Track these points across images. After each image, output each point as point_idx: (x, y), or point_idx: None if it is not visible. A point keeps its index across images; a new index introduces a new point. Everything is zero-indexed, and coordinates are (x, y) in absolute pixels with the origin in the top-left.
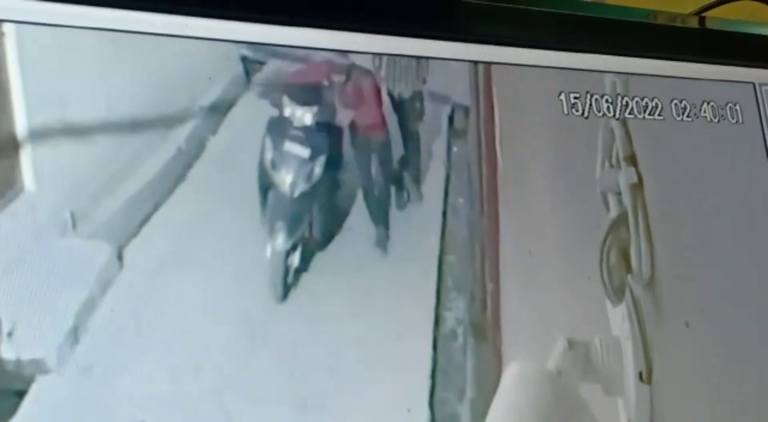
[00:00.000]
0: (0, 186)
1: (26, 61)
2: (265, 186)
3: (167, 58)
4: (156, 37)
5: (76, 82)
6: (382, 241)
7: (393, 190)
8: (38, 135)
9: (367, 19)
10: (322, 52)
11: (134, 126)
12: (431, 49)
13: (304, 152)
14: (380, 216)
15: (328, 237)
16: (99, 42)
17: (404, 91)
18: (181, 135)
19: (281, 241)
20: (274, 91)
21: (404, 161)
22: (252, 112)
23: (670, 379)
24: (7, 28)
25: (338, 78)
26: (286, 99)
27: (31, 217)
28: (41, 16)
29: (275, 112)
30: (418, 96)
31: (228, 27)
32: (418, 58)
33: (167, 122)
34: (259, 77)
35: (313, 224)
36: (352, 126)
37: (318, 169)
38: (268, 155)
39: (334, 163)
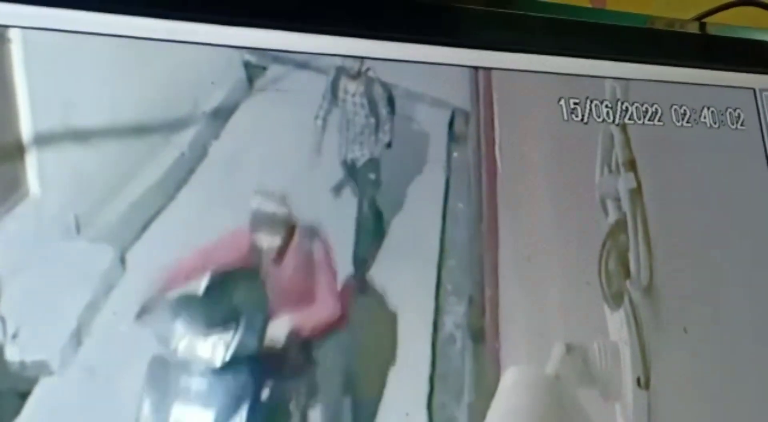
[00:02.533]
0: (5, 189)
1: (32, 66)
2: None
3: (171, 64)
4: (159, 43)
5: (80, 87)
6: None
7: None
8: (43, 139)
9: (367, 25)
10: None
11: (138, 130)
12: (431, 55)
13: (204, 418)
14: None
15: None
16: (103, 47)
17: (359, 156)
18: (184, 139)
19: None
20: (160, 314)
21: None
22: (254, 118)
23: (668, 385)
24: (14, 33)
25: (268, 250)
26: (179, 327)
27: (35, 221)
28: (47, 22)
29: (161, 349)
30: (375, 163)
31: (231, 32)
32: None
33: (171, 127)
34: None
35: None
36: (293, 338)
37: None
38: None
39: None
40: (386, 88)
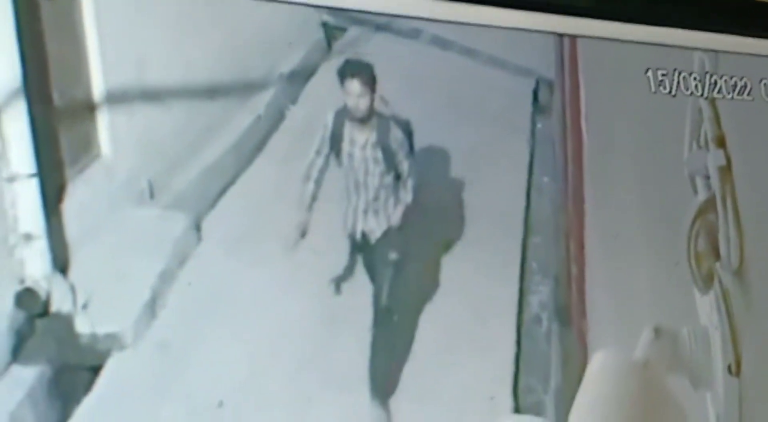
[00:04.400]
0: (76, 150)
1: (104, 20)
2: None
3: (247, 22)
4: (236, 0)
5: (154, 44)
6: None
7: None
8: (115, 98)
9: None
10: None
11: (212, 92)
12: (514, 20)
13: None
14: None
15: None
16: (177, 2)
17: (374, 227)
18: (259, 102)
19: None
20: None
21: None
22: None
23: (760, 373)
24: None
25: None
26: None
27: (107, 185)
28: None
29: None
30: (395, 234)
31: None
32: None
33: (246, 89)
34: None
35: None
36: None
37: None
38: None
39: None
40: (405, 125)
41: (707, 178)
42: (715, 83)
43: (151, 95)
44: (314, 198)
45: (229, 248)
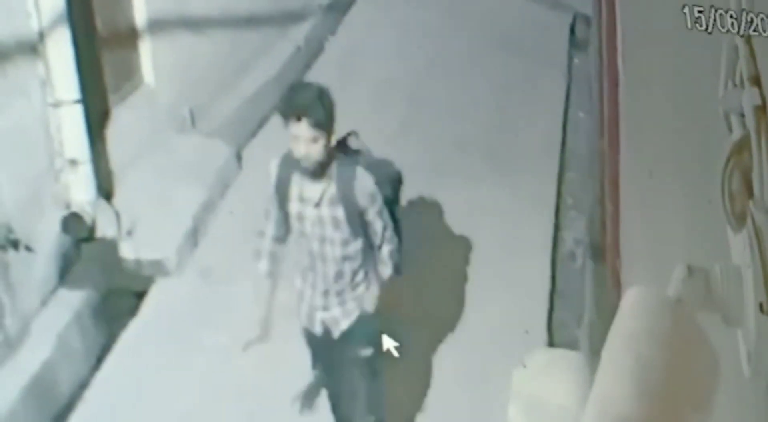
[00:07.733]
0: (119, 78)
1: None
2: None
3: None
4: None
5: None
6: None
7: None
8: (156, 26)
9: None
10: None
11: (252, 21)
12: None
13: None
14: None
15: None
16: None
17: (338, 316)
18: (299, 33)
19: None
20: None
21: None
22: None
23: None
24: None
25: None
26: None
27: (150, 111)
28: None
29: None
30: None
31: None
32: None
33: (286, 18)
34: None
35: None
36: None
37: None
38: None
39: None
40: (384, 168)
41: (742, 116)
42: (752, 21)
43: (193, 23)
44: (272, 279)
45: (269, 178)
